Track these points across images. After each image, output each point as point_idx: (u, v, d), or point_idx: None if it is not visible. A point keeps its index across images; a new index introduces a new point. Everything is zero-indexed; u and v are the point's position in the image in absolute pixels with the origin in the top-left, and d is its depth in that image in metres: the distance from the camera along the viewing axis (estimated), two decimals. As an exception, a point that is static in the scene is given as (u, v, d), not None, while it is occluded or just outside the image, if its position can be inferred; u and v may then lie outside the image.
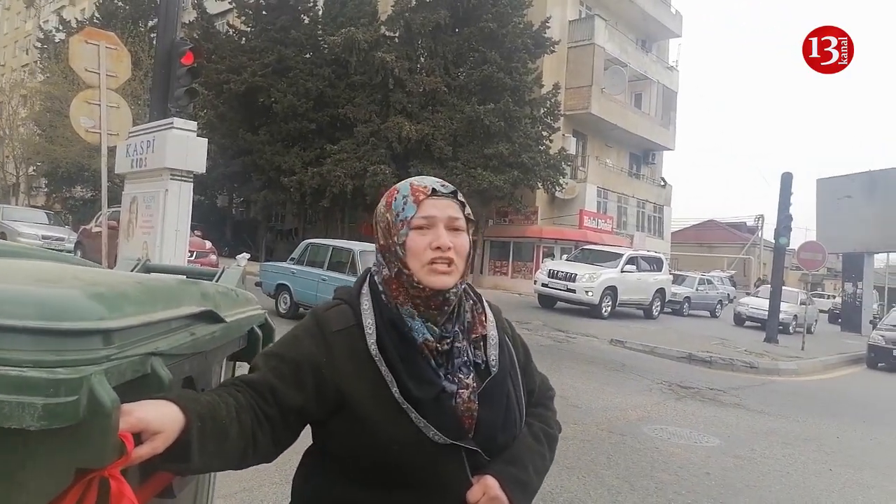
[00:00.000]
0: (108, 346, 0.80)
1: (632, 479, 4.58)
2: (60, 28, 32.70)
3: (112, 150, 7.62)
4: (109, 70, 7.00)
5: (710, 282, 25.35)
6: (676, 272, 24.86)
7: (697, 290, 23.64)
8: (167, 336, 0.97)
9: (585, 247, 20.06)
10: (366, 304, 1.19)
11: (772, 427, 6.94)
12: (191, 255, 10.48)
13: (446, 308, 1.17)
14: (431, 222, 1.16)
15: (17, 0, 56.63)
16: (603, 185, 28.07)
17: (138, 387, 0.88)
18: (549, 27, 22.77)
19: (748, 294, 23.29)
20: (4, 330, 0.73)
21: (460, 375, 1.16)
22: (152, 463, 0.89)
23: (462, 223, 1.19)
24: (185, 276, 1.67)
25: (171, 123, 6.68)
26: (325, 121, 23.67)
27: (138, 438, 0.85)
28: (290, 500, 1.25)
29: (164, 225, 6.76)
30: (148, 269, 1.88)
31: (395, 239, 1.17)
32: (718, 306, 24.55)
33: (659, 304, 18.70)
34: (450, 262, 1.15)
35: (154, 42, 20.28)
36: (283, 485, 3.61)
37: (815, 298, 26.51)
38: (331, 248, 10.29)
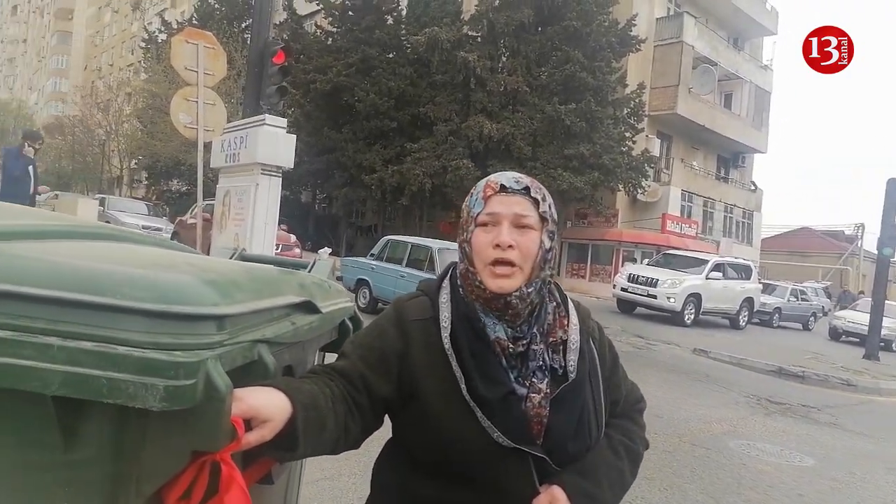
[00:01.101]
0: (220, 331, 0.81)
1: (717, 495, 4.36)
2: (162, 29, 34.65)
3: (207, 146, 7.98)
4: (207, 68, 7.33)
5: (803, 292, 23.95)
6: (766, 281, 23.66)
7: (789, 300, 22.38)
8: (271, 324, 0.99)
9: (668, 251, 19.40)
10: (444, 297, 1.19)
11: (872, 450, 6.46)
12: (277, 248, 10.85)
13: (511, 311, 1.14)
14: (496, 219, 1.14)
15: (124, 4, 60.60)
16: (688, 189, 27.06)
17: (245, 373, 0.89)
18: (635, 25, 22.16)
19: (843, 306, 21.88)
20: (125, 311, 0.75)
21: (533, 380, 1.13)
22: (257, 449, 0.91)
23: (532, 220, 1.15)
24: (282, 267, 1.70)
25: (263, 120, 6.93)
26: (406, 119, 23.99)
27: (248, 425, 0.87)
28: (370, 487, 1.27)
29: (254, 217, 7.02)
30: (244, 259, 1.95)
31: (465, 235, 1.17)
32: (812, 319, 23.17)
33: (746, 313, 17.85)
34: (511, 264, 1.12)
35: (247, 42, 21.18)
36: (361, 475, 3.66)
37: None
38: (410, 244, 10.39)
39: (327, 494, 3.52)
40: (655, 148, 24.89)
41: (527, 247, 1.13)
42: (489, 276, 1.13)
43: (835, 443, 6.56)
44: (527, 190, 1.17)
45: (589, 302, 18.87)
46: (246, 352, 0.87)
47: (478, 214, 1.16)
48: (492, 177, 1.21)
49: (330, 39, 26.80)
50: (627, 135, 22.08)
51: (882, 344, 15.40)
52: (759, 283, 19.65)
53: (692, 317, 15.79)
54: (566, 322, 1.20)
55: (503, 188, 1.16)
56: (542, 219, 1.16)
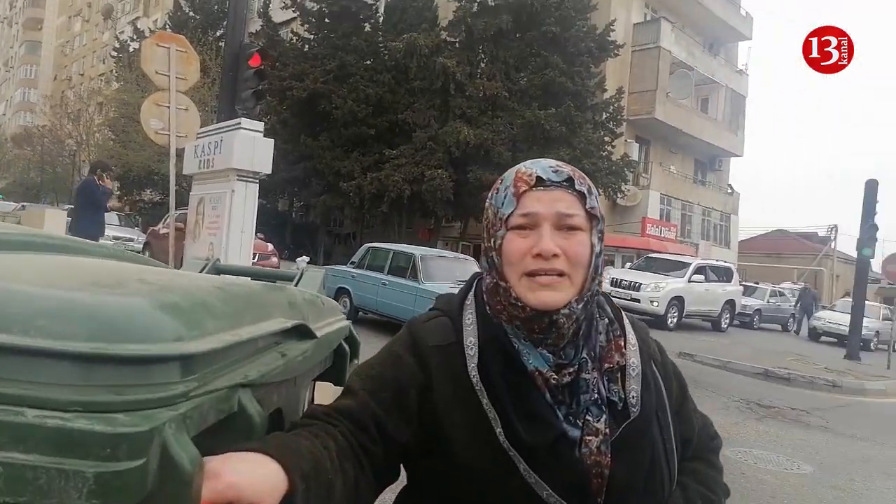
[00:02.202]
0: (185, 377, 0.57)
1: (721, 508, 4.19)
2: (134, 38, 34.09)
3: (180, 153, 7.69)
4: (179, 73, 7.05)
5: (781, 294, 24.16)
6: (746, 283, 23.83)
7: (769, 302, 22.54)
8: (256, 358, 0.74)
9: (650, 255, 19.40)
10: (469, 317, 0.96)
11: (867, 454, 6.36)
12: (254, 258, 10.56)
13: (555, 331, 0.90)
14: (534, 221, 0.90)
15: (95, 13, 59.66)
16: (667, 192, 27.22)
17: (221, 430, 0.65)
18: (613, 30, 22.25)
19: (804, 306, 22.16)
20: (39, 355, 0.51)
21: (588, 417, 0.89)
22: None
23: (580, 220, 0.91)
24: (264, 280, 1.47)
25: (239, 123, 6.67)
26: (384, 126, 23.79)
27: None
28: None
29: (229, 226, 6.74)
30: (218, 271, 1.69)
31: (493, 242, 0.94)
32: (791, 320, 23.38)
33: (728, 316, 17.90)
34: (559, 273, 0.88)
35: (222, 50, 20.84)
36: None
37: (896, 314, 24.96)
38: (391, 252, 10.18)
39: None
40: (634, 152, 25.00)
41: (575, 252, 0.90)
42: (527, 288, 0.89)
43: (829, 447, 6.45)
44: (570, 182, 0.93)
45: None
46: (221, 403, 0.63)
47: (509, 215, 0.92)
48: (523, 166, 0.96)
49: (307, 46, 26.56)
50: (607, 139, 22.13)
51: (861, 344, 15.49)
52: (740, 285, 19.75)
53: (675, 320, 15.78)
54: (623, 343, 0.97)
55: (540, 181, 0.92)
56: (591, 216, 0.93)
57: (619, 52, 22.84)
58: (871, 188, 14.90)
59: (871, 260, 15.80)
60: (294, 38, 27.48)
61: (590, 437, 0.88)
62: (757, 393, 9.04)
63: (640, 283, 15.44)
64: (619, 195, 22.94)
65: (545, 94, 21.40)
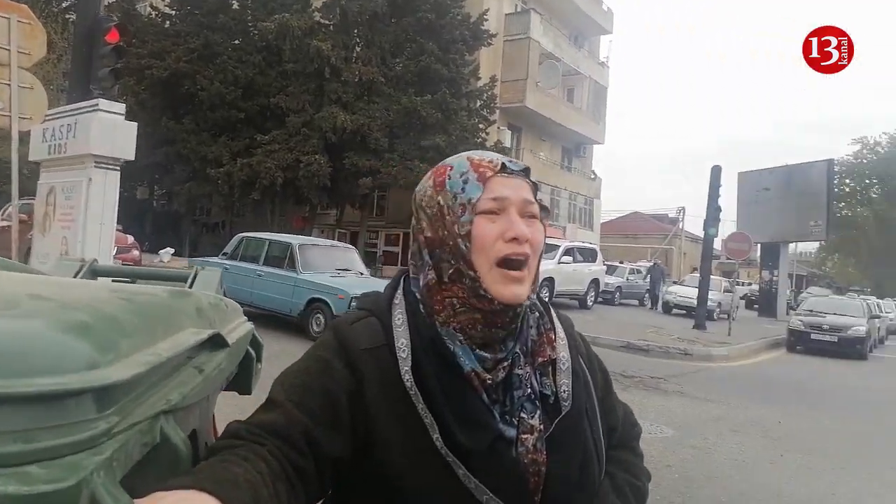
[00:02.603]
0: (104, 412, 0.49)
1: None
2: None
3: (25, 137, 6.92)
4: (21, 47, 6.30)
5: (639, 271, 26.11)
6: (609, 263, 25.46)
7: (627, 279, 24.26)
8: (173, 378, 0.67)
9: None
10: (398, 317, 0.90)
11: (717, 414, 7.08)
12: (113, 251, 9.77)
13: (513, 327, 0.89)
14: (503, 206, 0.87)
15: None
16: (537, 178, 27.78)
17: (141, 463, 0.57)
18: (486, 20, 22.72)
19: (654, 280, 24.14)
20: None
21: (523, 415, 0.87)
22: None
23: (537, 210, 0.91)
24: (153, 282, 1.36)
25: (97, 105, 6.10)
26: (255, 110, 22.83)
27: None
28: None
29: (86, 218, 6.18)
30: (96, 273, 1.50)
31: (456, 229, 0.88)
32: (646, 295, 25.32)
33: (594, 294, 19.04)
34: (525, 261, 0.87)
35: (69, 23, 18.93)
36: None
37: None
38: (267, 241, 9.83)
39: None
40: (507, 139, 25.81)
41: (537, 240, 0.88)
42: (500, 280, 0.85)
43: (685, 410, 7.10)
44: (526, 172, 0.93)
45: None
46: (145, 435, 0.56)
47: (478, 199, 0.87)
48: (471, 154, 0.94)
49: (167, 23, 24.80)
50: (481, 126, 22.65)
51: (706, 314, 17.09)
52: (604, 265, 21.07)
53: (546, 300, 16.51)
54: (553, 336, 0.95)
55: (504, 168, 0.90)
56: (543, 208, 0.93)
57: (492, 41, 23.38)
58: (716, 173, 16.44)
59: (715, 238, 17.46)
60: (153, 13, 25.54)
61: (525, 436, 0.87)
62: (621, 364, 9.73)
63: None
64: (493, 181, 23.59)
65: (421, 80, 21.49)
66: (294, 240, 9.78)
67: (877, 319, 17.88)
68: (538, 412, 0.88)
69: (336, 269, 9.38)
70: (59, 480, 0.42)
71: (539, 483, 0.86)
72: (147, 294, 0.82)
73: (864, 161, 44.16)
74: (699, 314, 16.36)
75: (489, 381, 0.87)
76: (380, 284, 10.98)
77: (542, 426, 0.88)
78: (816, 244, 39.01)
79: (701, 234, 17.93)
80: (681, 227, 45.54)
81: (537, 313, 0.96)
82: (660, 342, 12.25)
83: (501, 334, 0.89)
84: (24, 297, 0.62)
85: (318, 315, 8.74)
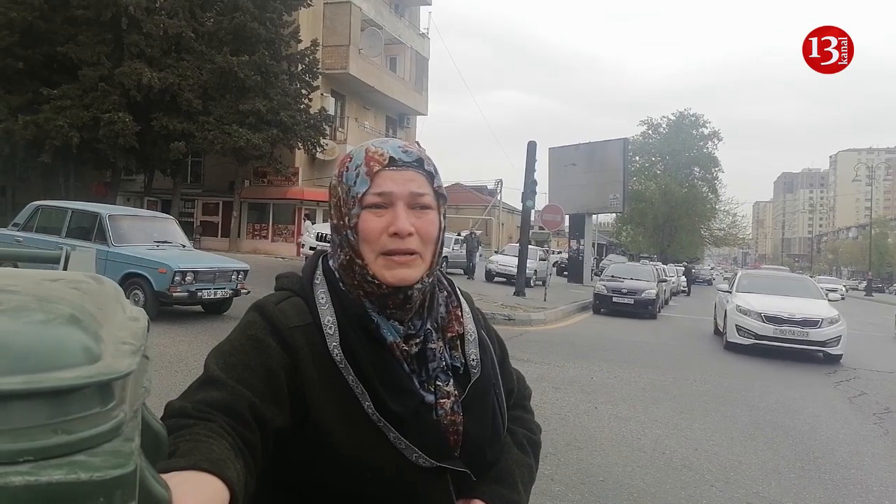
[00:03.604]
0: (116, 402, 0.48)
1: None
2: None
3: None
4: None
5: (465, 242, 27.15)
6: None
7: (454, 249, 25.13)
8: (133, 360, 0.62)
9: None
10: (322, 296, 0.97)
11: (540, 374, 7.63)
12: None
13: (409, 307, 0.97)
14: (388, 200, 0.94)
15: None
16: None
17: None
18: (305, -21, 21.80)
19: (469, 250, 25.44)
20: None
21: (438, 383, 0.97)
22: None
23: (430, 199, 0.97)
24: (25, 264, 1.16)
25: None
26: (38, 60, 19.89)
27: None
28: None
29: None
30: None
31: (347, 220, 0.96)
32: (469, 264, 26.48)
33: (419, 264, 19.50)
34: (411, 252, 0.94)
35: None
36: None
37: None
38: (70, 211, 8.71)
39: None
40: (331, 106, 25.20)
41: (427, 230, 0.95)
42: (384, 266, 0.94)
43: (512, 372, 7.57)
44: (419, 162, 0.98)
45: (274, 262, 18.47)
46: (137, 423, 0.54)
47: (363, 194, 0.94)
48: (371, 146, 0.99)
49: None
50: (304, 92, 21.88)
51: (525, 281, 18.32)
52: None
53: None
54: (460, 313, 1.05)
55: (392, 161, 0.96)
56: (438, 195, 0.99)
57: (311, 2, 22.53)
58: (532, 149, 17.51)
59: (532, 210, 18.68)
60: None
61: (443, 400, 0.97)
62: (451, 332, 10.12)
63: (343, 237, 15.92)
64: (318, 149, 22.99)
65: (236, 38, 20.14)
66: (102, 209, 8.80)
67: (664, 283, 20.38)
68: (451, 381, 0.99)
69: (155, 241, 8.59)
70: (119, 466, 0.43)
71: (458, 440, 0.97)
72: (78, 281, 0.71)
73: (650, 140, 49.85)
74: (519, 282, 17.45)
75: (405, 351, 0.96)
76: (205, 257, 10.25)
77: (456, 392, 0.98)
78: (613, 215, 43.42)
79: (516, 205, 19.08)
80: (499, 198, 48.11)
81: (445, 292, 1.06)
82: (485, 309, 12.72)
83: (399, 314, 0.96)
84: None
85: (137, 291, 8.01)
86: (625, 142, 30.43)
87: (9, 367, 0.42)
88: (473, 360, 1.01)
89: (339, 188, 0.98)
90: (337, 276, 0.99)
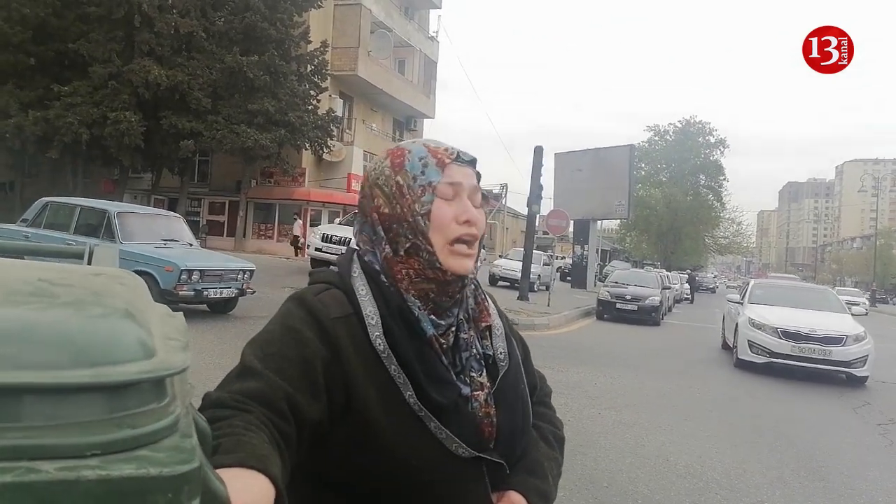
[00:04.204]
0: (170, 398, 0.49)
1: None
2: None
3: None
4: None
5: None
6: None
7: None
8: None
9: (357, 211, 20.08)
10: (361, 288, 0.98)
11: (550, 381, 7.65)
12: None
13: (459, 297, 1.01)
14: (458, 191, 0.99)
15: None
16: (369, 150, 28.21)
17: None
18: (316, -20, 21.90)
19: (501, 256, 25.54)
20: (20, 392, 0.41)
21: (472, 374, 1.00)
22: None
23: (480, 198, 1.03)
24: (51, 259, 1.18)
25: None
26: (50, 56, 20.04)
27: None
28: None
29: None
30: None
31: (417, 207, 0.98)
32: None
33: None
34: (474, 241, 1.00)
35: None
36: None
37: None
38: (79, 208, 8.76)
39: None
40: (339, 108, 25.28)
41: (482, 224, 1.01)
42: (450, 255, 0.97)
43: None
44: (474, 162, 1.04)
45: (280, 263, 18.52)
46: (191, 418, 0.55)
47: (438, 183, 0.98)
48: (426, 141, 1.05)
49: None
50: (312, 93, 21.96)
51: (529, 286, 18.32)
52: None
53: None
54: (488, 305, 1.09)
55: (459, 157, 1.01)
56: (484, 196, 1.05)
57: (321, 3, 22.62)
58: (539, 154, 17.53)
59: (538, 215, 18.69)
60: None
61: (477, 392, 0.99)
62: (456, 335, 10.14)
63: (351, 239, 15.88)
64: (325, 150, 23.07)
65: (246, 38, 20.24)
66: (111, 206, 8.85)
67: (667, 290, 20.38)
68: (483, 371, 1.01)
69: (162, 239, 8.64)
70: (185, 462, 0.43)
71: (493, 432, 0.99)
72: (119, 276, 0.74)
73: (656, 147, 49.80)
74: (523, 286, 17.44)
75: (444, 345, 0.99)
76: (212, 256, 10.28)
77: (488, 383, 1.01)
78: (617, 221, 43.41)
79: (520, 209, 19.10)
80: (504, 203, 48.16)
81: (472, 285, 1.08)
82: (488, 312, 12.90)
83: (449, 303, 0.99)
84: (47, 285, 0.56)
85: (143, 289, 8.01)
86: (631, 148, 30.42)
87: (75, 359, 0.42)
88: (501, 353, 1.04)
89: (398, 177, 0.99)
90: (378, 269, 1.00)
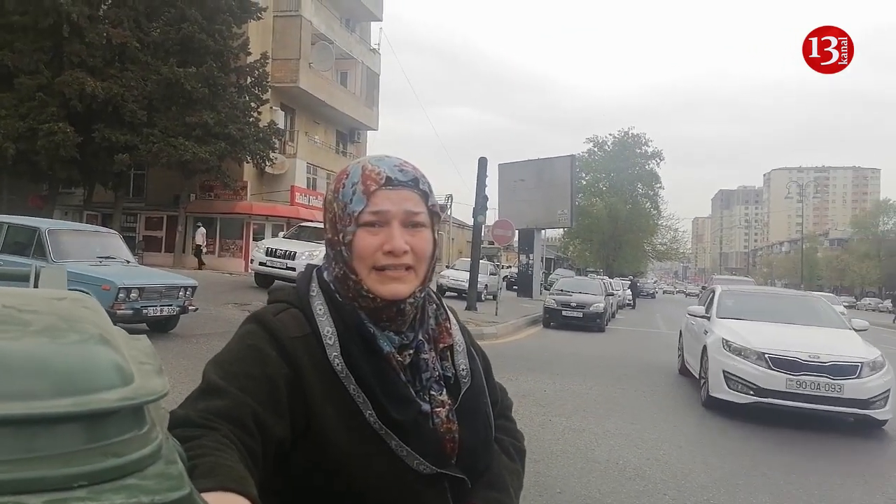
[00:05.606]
0: (150, 424, 0.48)
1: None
2: None
3: None
4: None
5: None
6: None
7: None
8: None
9: (303, 224, 19.75)
10: (320, 307, 1.00)
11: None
12: None
13: (402, 319, 1.01)
14: (384, 218, 0.97)
15: None
16: (312, 162, 27.94)
17: None
18: (255, -8, 21.60)
19: (448, 267, 25.62)
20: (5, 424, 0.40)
21: (432, 392, 1.01)
22: None
23: (424, 217, 1.01)
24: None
25: None
26: (-31, 66, 19.03)
27: None
28: None
29: None
30: None
31: (341, 237, 0.99)
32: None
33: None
34: (406, 268, 0.98)
35: None
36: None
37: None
38: (6, 225, 8.35)
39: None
40: (280, 120, 24.95)
41: (420, 248, 0.99)
42: (377, 281, 0.97)
43: (467, 387, 7.61)
44: (415, 182, 1.01)
45: (222, 279, 18.05)
46: (171, 443, 0.54)
47: (360, 212, 0.97)
48: (367, 163, 1.02)
49: None
50: (253, 105, 21.61)
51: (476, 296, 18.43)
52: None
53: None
54: (449, 325, 1.09)
55: (389, 181, 0.98)
56: (432, 213, 1.03)
57: (261, 15, 22.32)
58: (483, 165, 17.72)
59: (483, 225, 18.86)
60: None
61: (438, 409, 1.00)
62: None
63: (295, 252, 15.60)
64: (266, 163, 22.69)
65: (184, 50, 19.76)
66: (41, 223, 8.47)
67: (611, 297, 20.83)
68: (444, 390, 1.02)
69: (98, 256, 8.31)
70: (176, 489, 0.43)
71: (454, 447, 1.00)
72: (81, 299, 0.72)
73: (596, 157, 51.11)
74: (471, 296, 17.54)
75: (402, 362, 0.99)
76: (151, 274, 9.93)
77: (450, 400, 1.02)
78: (561, 230, 44.21)
79: (465, 220, 19.27)
80: (449, 213, 48.38)
81: (434, 305, 1.09)
82: (436, 323, 12.91)
83: (396, 325, 1.00)
84: (15, 312, 0.53)
85: (76, 310, 7.66)
86: (572, 158, 31.12)
87: (55, 389, 0.41)
88: (464, 369, 1.05)
89: (334, 204, 1.01)
90: (333, 287, 1.01)
